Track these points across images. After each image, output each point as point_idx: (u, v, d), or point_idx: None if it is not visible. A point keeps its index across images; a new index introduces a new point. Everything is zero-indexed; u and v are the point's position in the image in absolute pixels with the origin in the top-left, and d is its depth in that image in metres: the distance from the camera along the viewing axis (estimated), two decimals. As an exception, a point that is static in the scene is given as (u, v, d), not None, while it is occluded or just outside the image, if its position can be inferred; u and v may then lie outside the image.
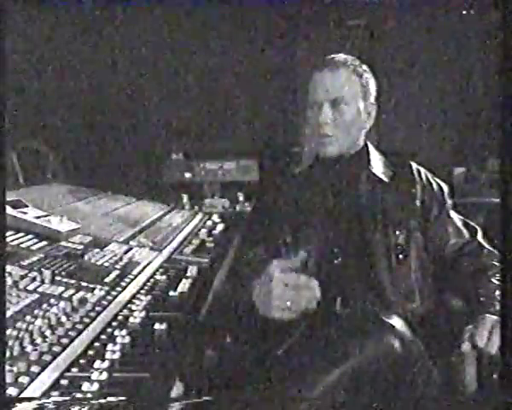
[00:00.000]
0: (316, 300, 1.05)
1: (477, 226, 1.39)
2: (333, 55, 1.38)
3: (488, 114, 3.22)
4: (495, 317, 1.09)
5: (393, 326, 1.07)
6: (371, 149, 1.43)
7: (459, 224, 1.39)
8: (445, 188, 1.42)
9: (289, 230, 1.38)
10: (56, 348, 1.10)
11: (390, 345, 1.05)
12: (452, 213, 1.40)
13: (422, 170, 1.43)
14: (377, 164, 1.41)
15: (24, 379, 0.98)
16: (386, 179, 1.38)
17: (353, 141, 1.38)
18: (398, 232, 1.32)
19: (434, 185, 1.40)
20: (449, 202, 1.40)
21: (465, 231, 1.37)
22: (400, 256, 1.31)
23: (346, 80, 1.33)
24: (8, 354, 1.05)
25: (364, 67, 1.38)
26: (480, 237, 1.36)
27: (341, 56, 1.37)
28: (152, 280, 1.62)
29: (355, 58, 1.38)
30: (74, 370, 1.05)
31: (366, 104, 1.37)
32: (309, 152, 2.97)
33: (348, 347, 1.06)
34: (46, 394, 0.96)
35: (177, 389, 1.03)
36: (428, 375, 1.11)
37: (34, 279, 1.42)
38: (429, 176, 1.43)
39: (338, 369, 1.04)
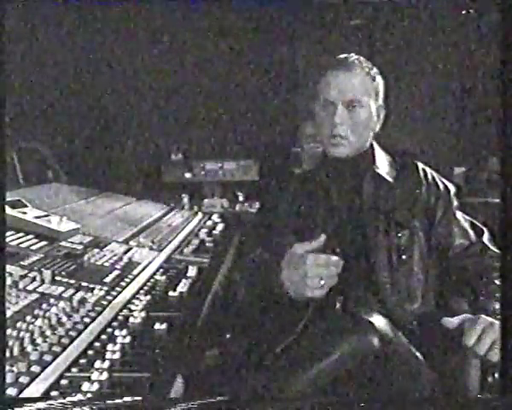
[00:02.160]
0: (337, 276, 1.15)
1: (483, 227, 1.37)
2: (346, 55, 1.36)
3: (488, 113, 3.22)
4: (489, 319, 1.07)
5: (372, 323, 1.07)
6: (377, 148, 1.42)
7: (465, 225, 1.36)
8: (452, 188, 1.40)
9: (293, 231, 1.38)
10: (56, 348, 1.10)
11: (369, 342, 1.05)
12: (458, 214, 1.37)
13: (428, 170, 1.42)
14: (382, 164, 1.40)
15: (24, 379, 0.98)
16: (390, 179, 1.37)
17: (363, 143, 1.37)
18: (400, 233, 1.31)
19: (440, 185, 1.39)
20: (455, 202, 1.38)
21: (471, 232, 1.35)
22: (403, 257, 1.30)
23: (361, 82, 1.32)
24: (8, 354, 1.05)
25: (375, 69, 1.37)
26: (485, 238, 1.34)
27: (355, 57, 1.36)
28: (152, 280, 1.62)
29: (366, 60, 1.37)
30: (74, 370, 1.05)
31: (377, 106, 1.37)
32: (311, 151, 2.97)
33: (327, 344, 1.07)
34: (46, 394, 0.96)
35: (177, 389, 1.03)
36: (416, 371, 1.11)
37: (34, 279, 1.42)
38: (435, 176, 1.41)
39: (316, 366, 1.04)
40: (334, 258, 1.15)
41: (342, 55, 1.37)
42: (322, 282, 1.13)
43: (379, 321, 1.09)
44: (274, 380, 1.08)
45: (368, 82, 1.34)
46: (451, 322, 1.10)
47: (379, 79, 1.38)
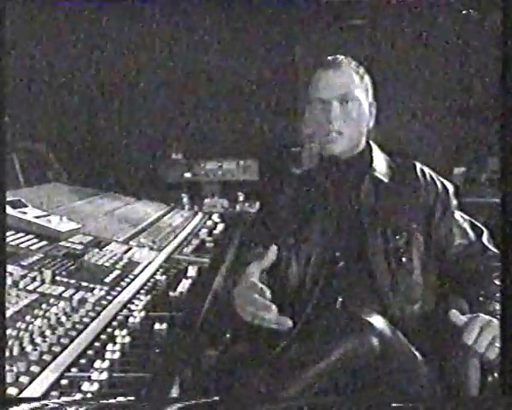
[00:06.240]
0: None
1: (483, 227, 1.36)
2: (334, 56, 1.41)
3: (488, 113, 3.22)
4: (488, 317, 1.07)
5: (372, 324, 1.07)
6: (374, 149, 1.42)
7: (464, 225, 1.35)
8: (450, 188, 1.39)
9: (291, 232, 1.38)
10: (56, 348, 1.10)
11: (368, 343, 1.05)
12: (457, 214, 1.37)
13: (426, 170, 1.41)
14: (380, 165, 1.39)
15: (24, 379, 0.98)
16: (387, 180, 1.37)
17: (359, 139, 1.39)
18: (399, 234, 1.30)
19: (439, 185, 1.38)
20: (454, 202, 1.37)
21: (470, 233, 1.34)
22: (403, 259, 1.29)
23: (350, 77, 1.37)
24: (8, 354, 1.05)
25: (362, 68, 1.41)
26: (485, 238, 1.33)
27: (341, 57, 1.40)
28: (152, 280, 1.62)
29: (352, 59, 1.42)
30: (74, 370, 1.05)
31: (368, 103, 1.40)
32: (310, 152, 2.97)
33: (326, 345, 1.06)
34: (46, 394, 0.96)
35: (177, 389, 1.03)
36: (415, 372, 1.11)
37: (34, 279, 1.42)
38: (434, 176, 1.40)
39: (316, 367, 1.04)
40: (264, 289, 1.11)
41: (330, 57, 1.41)
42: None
43: (378, 322, 1.09)
44: (273, 380, 1.08)
45: (357, 78, 1.38)
46: (460, 319, 1.09)
47: (367, 77, 1.42)
